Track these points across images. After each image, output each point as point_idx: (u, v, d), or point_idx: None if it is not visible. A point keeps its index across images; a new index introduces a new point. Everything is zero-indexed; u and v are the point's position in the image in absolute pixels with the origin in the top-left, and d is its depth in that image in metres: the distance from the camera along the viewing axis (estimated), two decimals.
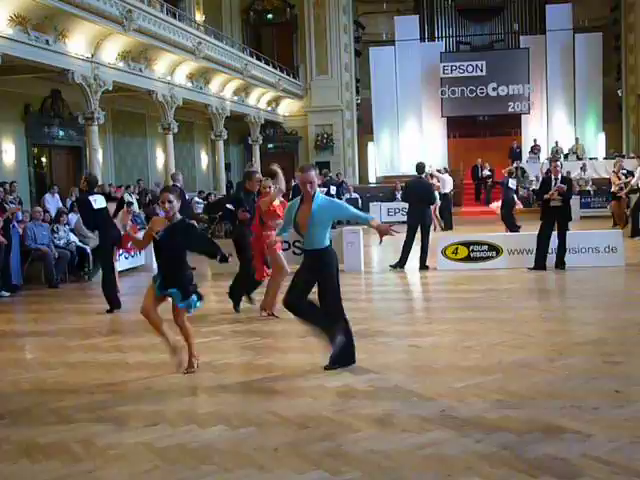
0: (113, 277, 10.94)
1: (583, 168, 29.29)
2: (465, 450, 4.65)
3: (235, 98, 29.19)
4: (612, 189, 20.27)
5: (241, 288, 10.12)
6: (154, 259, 15.91)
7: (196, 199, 25.07)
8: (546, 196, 12.94)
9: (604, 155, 33.63)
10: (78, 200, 11.89)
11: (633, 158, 28.74)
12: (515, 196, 19.63)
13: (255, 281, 9.94)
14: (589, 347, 7.33)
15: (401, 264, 13.95)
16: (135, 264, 15.49)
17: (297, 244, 13.85)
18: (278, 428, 5.24)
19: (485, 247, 13.61)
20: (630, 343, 7.49)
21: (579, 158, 32.14)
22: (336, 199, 7.85)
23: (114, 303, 10.60)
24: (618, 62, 35.39)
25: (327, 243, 6.69)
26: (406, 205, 15.08)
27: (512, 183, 19.44)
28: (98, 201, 10.82)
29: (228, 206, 11.30)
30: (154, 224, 6.84)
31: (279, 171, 9.65)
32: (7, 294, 12.56)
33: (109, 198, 11.69)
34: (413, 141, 36.26)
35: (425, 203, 14.07)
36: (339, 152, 35.38)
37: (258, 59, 30.20)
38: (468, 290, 11.33)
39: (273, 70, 31.56)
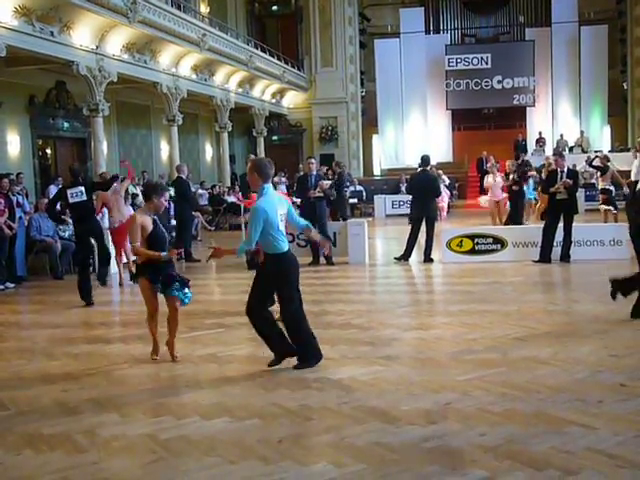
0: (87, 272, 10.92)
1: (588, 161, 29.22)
2: (470, 443, 4.64)
3: (240, 90, 29.17)
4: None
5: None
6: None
7: (200, 191, 25.08)
8: (552, 189, 12.91)
9: (609, 148, 33.53)
10: (58, 191, 11.75)
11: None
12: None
13: None
14: (594, 340, 7.31)
15: (406, 256, 13.93)
16: None
17: (301, 236, 13.88)
18: (282, 420, 5.24)
19: (490, 240, 13.58)
20: (635, 337, 7.46)
21: (584, 151, 32.06)
22: None
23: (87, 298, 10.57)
24: (623, 55, 35.25)
25: None
26: (410, 197, 15.06)
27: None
28: (77, 195, 10.75)
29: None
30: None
31: None
32: (12, 285, 12.57)
33: (97, 186, 11.75)
34: (418, 134, 36.22)
35: (430, 196, 14.04)
36: (343, 144, 35.34)
37: (263, 51, 30.16)
38: (472, 283, 11.30)
39: (278, 62, 31.52)
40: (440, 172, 24.44)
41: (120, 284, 12.44)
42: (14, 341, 8.43)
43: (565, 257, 12.85)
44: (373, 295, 11.24)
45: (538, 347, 7.05)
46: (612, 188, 18.58)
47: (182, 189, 16.03)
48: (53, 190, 18.08)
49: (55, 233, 13.99)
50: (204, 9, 29.47)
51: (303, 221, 6.83)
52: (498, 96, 35.91)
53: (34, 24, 15.58)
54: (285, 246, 6.33)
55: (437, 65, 35.86)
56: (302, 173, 14.42)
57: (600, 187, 18.98)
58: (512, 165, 18.16)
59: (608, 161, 21.14)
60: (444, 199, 23.07)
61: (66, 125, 21.78)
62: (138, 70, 20.66)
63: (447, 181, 25.87)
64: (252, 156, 13.90)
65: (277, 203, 6.32)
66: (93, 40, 17.87)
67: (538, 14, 37.63)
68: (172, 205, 17.72)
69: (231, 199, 24.26)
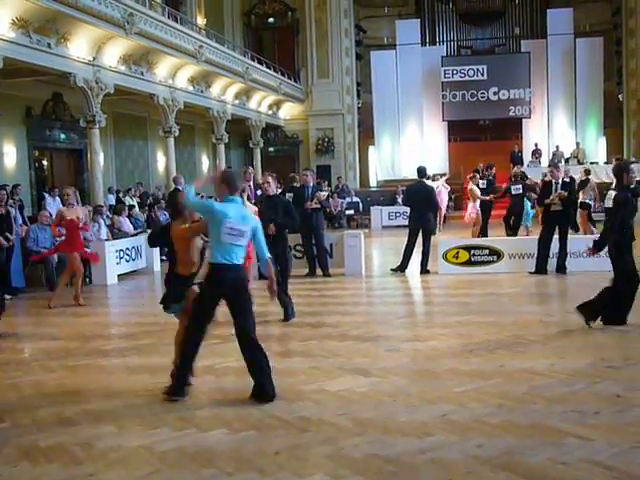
0: None
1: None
2: (466, 455, 4.65)
3: (236, 102, 29.20)
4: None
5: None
6: (158, 261, 15.87)
7: None
8: (547, 201, 12.95)
9: (605, 160, 33.64)
10: None
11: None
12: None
13: None
14: (590, 351, 7.32)
15: (402, 268, 13.93)
16: (136, 267, 15.42)
17: (297, 247, 13.89)
18: (279, 432, 5.24)
19: (486, 251, 13.59)
20: (631, 347, 7.49)
21: (580, 162, 32.15)
22: None
23: None
24: (619, 67, 35.39)
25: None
26: (407, 209, 15.07)
27: (516, 189, 17.55)
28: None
29: None
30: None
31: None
32: (8, 297, 12.53)
33: None
34: (414, 145, 36.28)
35: (426, 207, 14.05)
36: (340, 156, 35.36)
37: (259, 63, 30.22)
38: (469, 294, 11.32)
39: (274, 74, 31.58)
40: (442, 182, 24.42)
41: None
42: (10, 353, 8.41)
43: (561, 268, 12.86)
44: (370, 306, 11.24)
45: (534, 358, 7.06)
46: (592, 202, 18.41)
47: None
48: (49, 201, 18.10)
49: (52, 245, 13.96)
50: (201, 21, 29.56)
51: (266, 252, 6.27)
52: (494, 107, 35.99)
53: (31, 36, 15.60)
54: (216, 258, 6.00)
55: (433, 76, 35.95)
56: (298, 185, 14.42)
57: (580, 201, 18.22)
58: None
59: (588, 174, 21.02)
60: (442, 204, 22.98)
61: (63, 136, 21.79)
62: (135, 82, 20.67)
63: (449, 188, 25.91)
64: (250, 169, 13.95)
65: (237, 217, 6.02)
66: (90, 52, 17.89)
67: (534, 26, 37.84)
68: (167, 216, 17.72)
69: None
